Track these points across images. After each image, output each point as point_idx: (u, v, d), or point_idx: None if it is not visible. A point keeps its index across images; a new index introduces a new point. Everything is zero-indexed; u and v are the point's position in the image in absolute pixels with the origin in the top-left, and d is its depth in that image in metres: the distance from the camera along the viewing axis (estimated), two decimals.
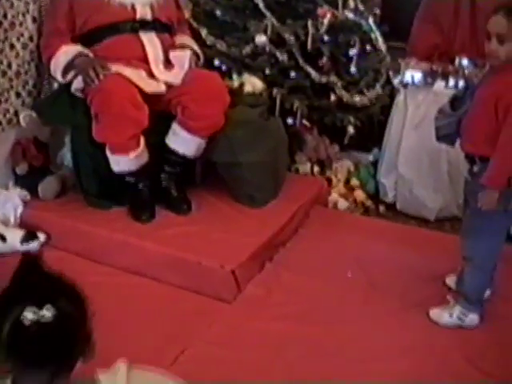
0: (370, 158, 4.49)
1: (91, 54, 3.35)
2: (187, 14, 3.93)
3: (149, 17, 3.44)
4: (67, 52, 3.32)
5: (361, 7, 4.13)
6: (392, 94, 4.26)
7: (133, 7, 3.41)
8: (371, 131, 4.26)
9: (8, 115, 3.62)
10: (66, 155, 3.73)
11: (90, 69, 3.18)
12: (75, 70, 3.29)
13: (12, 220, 3.49)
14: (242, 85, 3.58)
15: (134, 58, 3.36)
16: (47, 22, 3.52)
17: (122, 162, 3.28)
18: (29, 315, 1.21)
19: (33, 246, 3.36)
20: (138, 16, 3.41)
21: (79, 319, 1.30)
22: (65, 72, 3.34)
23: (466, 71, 4.29)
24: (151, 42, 3.42)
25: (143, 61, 3.38)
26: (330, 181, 4.12)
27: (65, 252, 3.35)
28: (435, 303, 2.97)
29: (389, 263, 3.36)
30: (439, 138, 3.13)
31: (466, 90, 3.05)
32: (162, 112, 3.32)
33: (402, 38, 4.68)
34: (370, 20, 4.13)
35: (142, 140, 3.27)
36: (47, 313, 1.22)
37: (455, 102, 3.14)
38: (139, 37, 3.40)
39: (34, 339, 1.22)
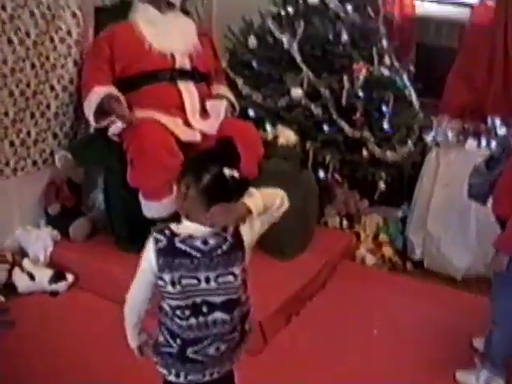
0: (399, 213, 4.48)
1: (119, 95, 3.39)
2: (224, 64, 4.00)
3: (187, 66, 3.51)
4: (98, 94, 3.37)
5: (396, 64, 4.17)
6: (424, 150, 4.27)
7: (172, 56, 3.48)
8: (401, 187, 4.26)
9: (44, 155, 3.69)
10: (98, 197, 3.78)
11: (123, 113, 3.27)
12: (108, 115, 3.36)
13: (42, 259, 3.53)
14: (276, 137, 3.61)
15: (172, 106, 3.42)
16: (87, 64, 3.59)
17: (154, 208, 3.30)
18: (227, 172, 1.83)
19: (61, 286, 3.39)
20: (177, 65, 3.48)
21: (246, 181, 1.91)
22: (96, 115, 3.39)
23: (498, 131, 4.31)
24: (189, 91, 3.47)
25: (180, 109, 3.43)
26: (358, 235, 4.12)
27: (92, 293, 3.38)
28: (461, 364, 2.95)
29: (415, 321, 3.36)
30: (471, 196, 3.14)
31: (503, 152, 3.06)
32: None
33: (435, 94, 4.73)
34: (405, 77, 4.17)
35: (175, 187, 3.29)
36: (236, 173, 1.84)
37: (491, 162, 3.15)
38: (177, 85, 3.46)
39: (229, 186, 1.84)
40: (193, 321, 1.88)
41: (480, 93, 4.73)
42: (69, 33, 3.65)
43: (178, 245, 1.83)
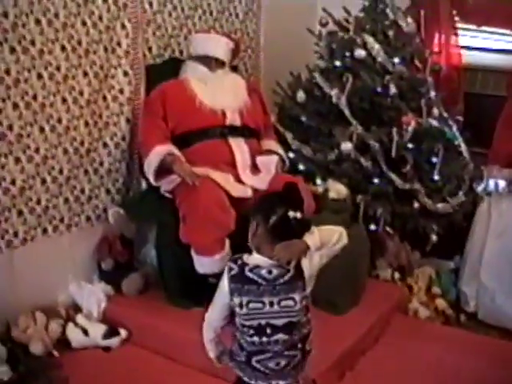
0: (452, 265, 4.43)
1: (180, 154, 3.44)
2: (273, 119, 4.03)
3: (238, 122, 3.56)
4: (158, 153, 3.41)
5: (444, 114, 4.16)
6: (475, 201, 4.23)
7: (223, 113, 3.54)
8: (453, 238, 4.21)
9: (97, 211, 3.75)
10: (150, 252, 3.81)
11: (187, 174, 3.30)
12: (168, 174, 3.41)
13: (95, 314, 3.56)
14: (326, 190, 3.61)
15: (223, 163, 3.45)
16: (144, 122, 3.64)
17: (206, 264, 3.31)
18: (291, 214, 2.08)
19: (114, 341, 3.41)
20: (228, 122, 3.54)
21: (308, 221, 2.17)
22: (156, 174, 3.43)
23: None
24: (239, 147, 3.51)
25: (231, 165, 3.47)
26: (410, 288, 4.07)
27: (144, 349, 3.40)
28: None
29: (470, 377, 3.27)
30: None
31: None
32: (248, 215, 3.36)
33: (484, 144, 4.70)
34: (454, 127, 4.15)
35: (228, 243, 3.31)
36: (299, 215, 2.09)
37: None
38: (228, 142, 3.51)
39: (292, 226, 2.09)
40: (255, 339, 2.17)
41: None
42: (121, 91, 3.74)
43: (247, 273, 2.14)
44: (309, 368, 2.30)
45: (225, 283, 2.18)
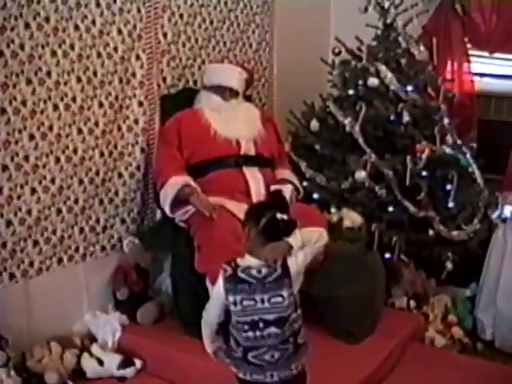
0: (468, 292, 4.39)
1: (196, 185, 3.44)
2: (287, 147, 4.03)
3: (252, 152, 3.58)
4: (174, 184, 3.42)
5: (458, 141, 4.16)
6: (490, 228, 4.20)
7: (237, 142, 3.56)
8: (469, 266, 4.18)
9: (112, 241, 3.76)
10: (165, 281, 3.81)
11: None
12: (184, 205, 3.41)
13: (110, 344, 3.55)
14: (341, 219, 3.60)
15: (237, 192, 3.47)
16: (160, 152, 3.66)
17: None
18: (279, 215, 2.33)
19: (129, 372, 3.40)
20: (242, 151, 3.56)
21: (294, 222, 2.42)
22: (173, 205, 3.44)
23: None
24: (254, 176, 3.52)
25: (246, 194, 3.48)
26: (426, 316, 4.04)
27: (159, 380, 3.38)
28: None
29: None
30: None
31: None
32: None
33: (499, 170, 4.69)
34: (468, 154, 4.14)
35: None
36: (285, 216, 2.35)
37: None
38: (242, 171, 3.53)
39: (281, 227, 2.35)
40: (250, 334, 2.41)
41: None
42: (136, 121, 3.77)
43: (240, 274, 2.40)
44: (305, 359, 2.51)
45: (220, 284, 2.44)
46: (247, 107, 3.79)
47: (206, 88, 3.75)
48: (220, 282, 2.43)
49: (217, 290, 2.49)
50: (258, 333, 2.40)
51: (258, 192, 3.50)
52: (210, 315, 2.59)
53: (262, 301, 2.38)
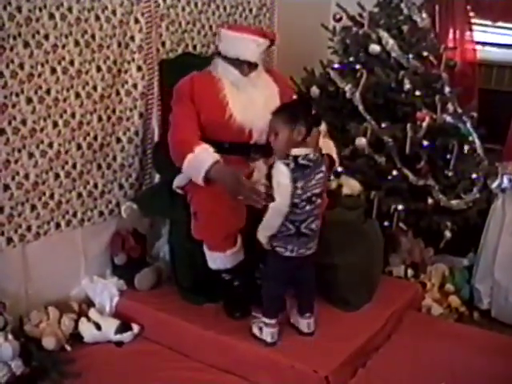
0: (465, 262, 4.39)
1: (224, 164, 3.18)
2: None
3: (263, 141, 3.36)
4: (205, 158, 3.14)
5: (459, 110, 4.13)
6: (489, 198, 4.19)
7: (250, 130, 3.35)
8: (467, 235, 4.18)
9: (110, 206, 3.76)
10: (163, 247, 3.82)
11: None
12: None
13: (107, 309, 3.56)
14: (339, 186, 3.59)
15: None
16: (178, 114, 3.38)
17: (218, 260, 3.30)
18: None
19: (126, 336, 3.41)
20: (253, 140, 3.38)
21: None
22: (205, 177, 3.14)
23: None
24: (259, 167, 3.29)
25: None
26: (423, 285, 4.05)
27: (157, 344, 3.40)
28: None
29: (482, 374, 3.24)
30: None
31: None
32: (260, 211, 3.32)
33: (499, 140, 4.68)
34: (468, 123, 4.12)
35: (239, 238, 3.30)
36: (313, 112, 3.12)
37: None
38: (248, 161, 3.35)
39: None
40: (307, 207, 2.99)
41: None
42: (134, 86, 3.73)
43: (301, 161, 2.94)
44: None
45: (286, 176, 2.90)
46: (266, 82, 3.52)
47: (223, 57, 3.44)
48: (285, 175, 2.89)
49: (281, 183, 2.91)
50: (312, 206, 2.99)
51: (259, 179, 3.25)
52: (283, 204, 2.93)
53: (315, 177, 2.98)
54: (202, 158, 3.12)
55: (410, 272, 4.12)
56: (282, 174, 2.91)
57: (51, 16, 3.22)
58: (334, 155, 3.41)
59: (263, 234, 3.05)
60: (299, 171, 2.92)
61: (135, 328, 3.44)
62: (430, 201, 3.86)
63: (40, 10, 3.17)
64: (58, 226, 3.50)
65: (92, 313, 3.48)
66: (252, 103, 3.33)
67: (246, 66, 3.38)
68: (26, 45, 3.14)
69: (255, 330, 3.20)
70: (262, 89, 3.43)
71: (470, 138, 4.11)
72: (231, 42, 3.43)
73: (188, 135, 3.24)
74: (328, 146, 3.38)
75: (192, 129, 3.28)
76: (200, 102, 3.34)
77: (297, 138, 2.94)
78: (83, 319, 3.45)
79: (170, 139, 3.30)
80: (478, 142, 4.13)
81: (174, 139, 3.28)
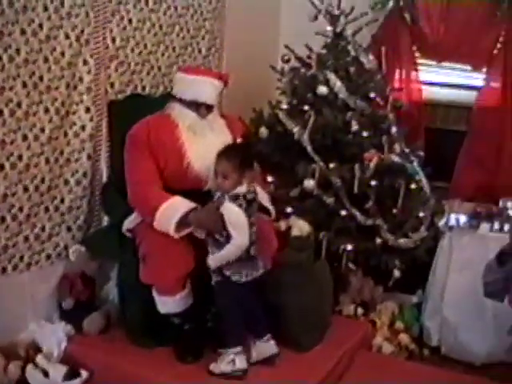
0: (415, 299, 4.44)
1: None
2: None
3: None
4: (179, 207, 3.19)
5: (406, 150, 4.20)
6: (437, 236, 4.26)
7: (206, 179, 3.37)
8: (416, 273, 4.23)
9: (58, 249, 3.69)
10: (112, 290, 3.76)
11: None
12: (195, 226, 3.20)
13: (55, 354, 3.47)
14: (289, 228, 3.60)
15: None
16: (135, 164, 3.38)
17: (168, 304, 3.27)
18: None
19: (75, 383, 3.34)
20: (207, 187, 3.38)
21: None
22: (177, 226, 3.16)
23: (511, 213, 4.30)
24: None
25: None
26: (374, 323, 4.07)
27: None
28: None
29: None
30: (487, 295, 3.13)
31: None
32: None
33: (445, 178, 4.77)
34: (415, 162, 4.18)
35: (188, 282, 3.29)
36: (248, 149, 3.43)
37: (502, 256, 3.15)
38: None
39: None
40: (253, 231, 3.19)
41: (491, 175, 4.77)
42: (83, 127, 3.69)
43: (248, 197, 3.14)
44: None
45: (242, 216, 3.08)
46: (221, 127, 3.53)
47: (179, 100, 3.43)
48: (241, 215, 3.07)
49: (240, 227, 3.08)
50: (254, 228, 3.17)
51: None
52: (240, 249, 3.09)
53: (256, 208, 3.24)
54: (176, 207, 3.17)
55: (359, 311, 4.14)
56: (238, 214, 3.07)
57: None
58: (270, 206, 3.52)
59: (216, 263, 3.14)
60: (249, 208, 3.11)
61: (84, 374, 3.36)
62: (378, 240, 3.89)
63: None
64: (4, 270, 3.42)
65: (39, 359, 3.39)
66: (208, 150, 3.30)
67: (203, 108, 3.40)
68: None
69: (225, 368, 3.16)
70: (218, 133, 3.44)
71: (417, 177, 4.16)
72: (188, 84, 3.44)
73: (151, 188, 3.28)
74: (264, 197, 3.48)
75: (154, 180, 3.31)
76: (157, 150, 3.34)
77: (245, 181, 3.11)
78: (30, 366, 3.35)
79: (131, 191, 3.33)
80: (424, 181, 4.19)
81: (136, 192, 3.33)
